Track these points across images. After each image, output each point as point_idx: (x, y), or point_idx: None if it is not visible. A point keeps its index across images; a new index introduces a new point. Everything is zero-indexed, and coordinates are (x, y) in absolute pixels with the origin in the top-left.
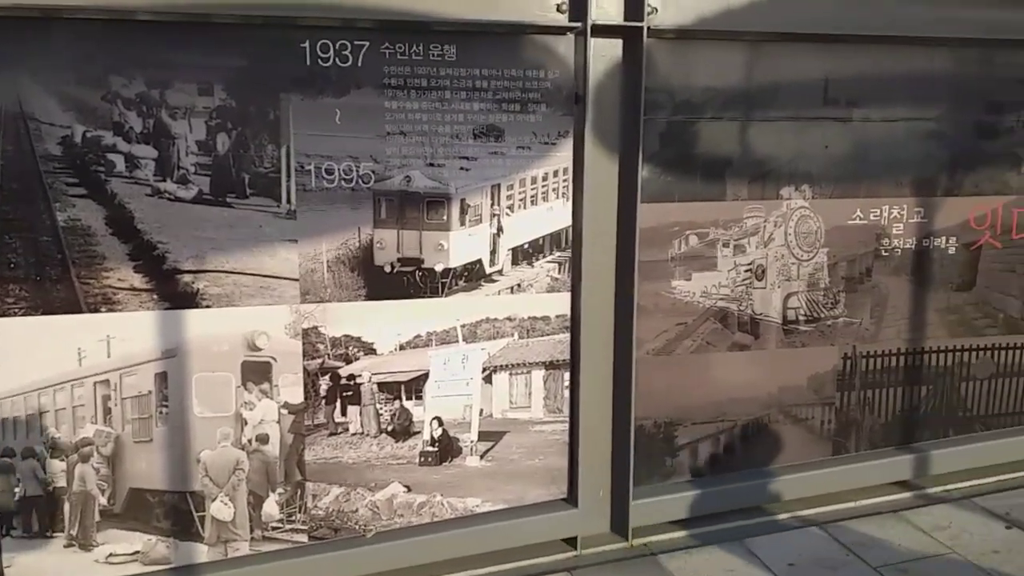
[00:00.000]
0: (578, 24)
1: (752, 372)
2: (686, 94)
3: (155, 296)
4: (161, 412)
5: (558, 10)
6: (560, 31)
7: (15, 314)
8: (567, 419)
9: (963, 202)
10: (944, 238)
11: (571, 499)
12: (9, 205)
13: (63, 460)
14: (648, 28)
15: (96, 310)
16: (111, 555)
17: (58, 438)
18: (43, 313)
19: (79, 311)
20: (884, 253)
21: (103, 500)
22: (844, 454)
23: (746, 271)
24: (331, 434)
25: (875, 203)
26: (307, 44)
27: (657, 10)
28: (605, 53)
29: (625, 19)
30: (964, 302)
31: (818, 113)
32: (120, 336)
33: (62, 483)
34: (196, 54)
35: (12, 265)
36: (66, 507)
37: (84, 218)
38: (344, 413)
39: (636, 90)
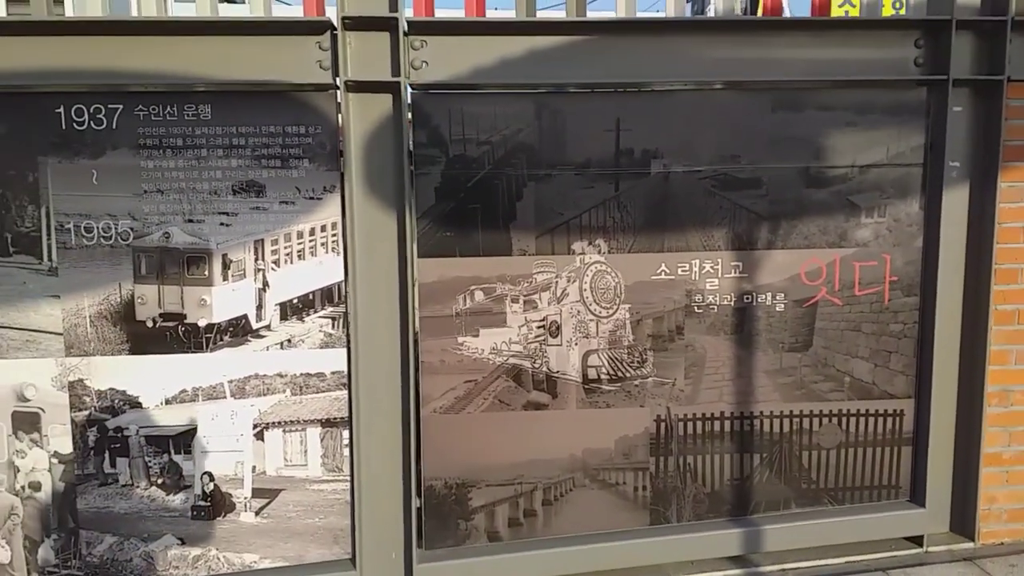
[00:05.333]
0: (335, 81)
1: (552, 433)
2: (461, 148)
3: None
4: None
5: (320, 67)
6: (321, 88)
7: None
8: (348, 478)
9: (790, 255)
10: (769, 295)
11: (354, 560)
12: None
13: None
14: (412, 83)
15: None
16: None
17: None
18: None
19: None
20: (697, 310)
21: None
22: (664, 524)
23: (539, 327)
24: (101, 484)
25: (682, 257)
26: (62, 109)
27: (427, 63)
28: (374, 108)
29: (392, 75)
30: (800, 363)
31: (610, 165)
32: None
33: None
34: None
35: None
36: None
37: None
38: (113, 464)
39: (401, 144)
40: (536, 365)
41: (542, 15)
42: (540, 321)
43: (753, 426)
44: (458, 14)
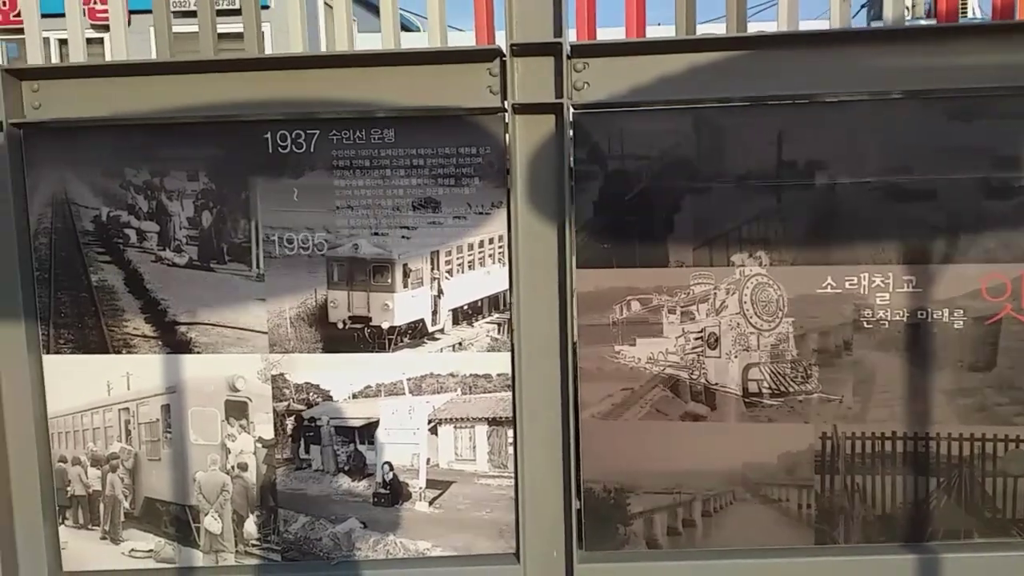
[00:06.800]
0: (503, 104)
1: (710, 445)
2: (619, 163)
3: (160, 342)
4: (166, 437)
5: (490, 92)
6: (490, 111)
7: (65, 352)
8: (512, 475)
9: (970, 270)
10: (946, 311)
11: (518, 555)
12: (59, 268)
13: (99, 469)
14: (573, 104)
15: (119, 351)
16: (133, 550)
17: (95, 451)
18: (83, 352)
19: (107, 352)
20: (867, 325)
21: (126, 504)
22: (830, 544)
23: (696, 339)
24: (297, 468)
25: (850, 271)
26: (269, 135)
27: (588, 84)
28: (538, 129)
29: (555, 97)
30: (982, 384)
31: (771, 177)
32: (136, 373)
33: (98, 487)
34: (185, 148)
35: (62, 315)
36: (100, 507)
37: (109, 279)
38: (307, 451)
39: (562, 162)
40: (694, 376)
41: (701, 30)
42: (698, 332)
43: (928, 448)
44: (619, 33)
